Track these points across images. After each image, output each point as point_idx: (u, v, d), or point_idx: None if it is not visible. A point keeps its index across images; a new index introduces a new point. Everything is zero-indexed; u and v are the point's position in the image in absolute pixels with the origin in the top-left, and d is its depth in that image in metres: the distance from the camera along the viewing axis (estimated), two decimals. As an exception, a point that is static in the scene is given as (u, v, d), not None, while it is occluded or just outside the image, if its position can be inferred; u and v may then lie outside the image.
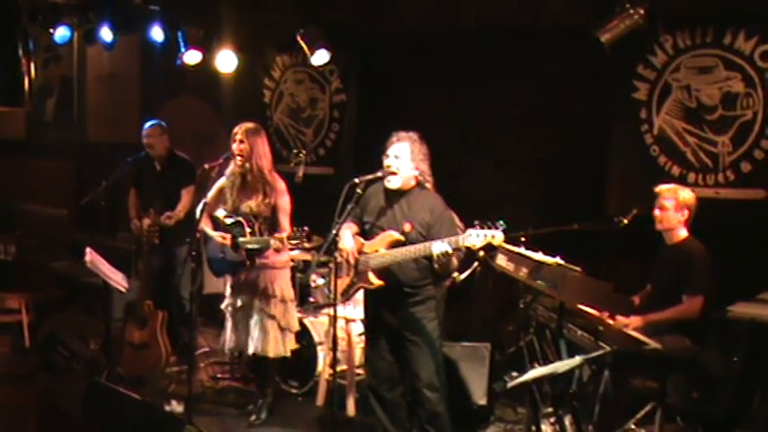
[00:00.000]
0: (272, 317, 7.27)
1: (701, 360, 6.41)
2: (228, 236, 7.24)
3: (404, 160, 6.31)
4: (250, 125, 7.34)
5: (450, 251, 5.88)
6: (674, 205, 6.59)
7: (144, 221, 8.55)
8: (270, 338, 7.27)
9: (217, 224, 7.42)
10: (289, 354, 7.43)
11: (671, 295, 6.55)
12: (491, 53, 8.81)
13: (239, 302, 7.39)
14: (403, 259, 6.18)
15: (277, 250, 7.09)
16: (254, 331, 7.29)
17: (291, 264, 7.88)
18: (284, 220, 7.19)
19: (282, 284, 7.39)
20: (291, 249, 7.33)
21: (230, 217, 7.28)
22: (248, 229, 7.13)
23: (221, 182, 7.44)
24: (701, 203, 6.70)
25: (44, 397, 7.90)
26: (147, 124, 9.16)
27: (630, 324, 6.43)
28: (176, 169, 9.08)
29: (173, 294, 8.85)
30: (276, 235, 6.93)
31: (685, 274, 6.48)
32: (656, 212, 6.69)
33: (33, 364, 8.59)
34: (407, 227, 6.26)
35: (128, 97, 12.41)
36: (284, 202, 7.25)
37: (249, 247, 7.13)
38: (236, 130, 7.29)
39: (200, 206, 7.37)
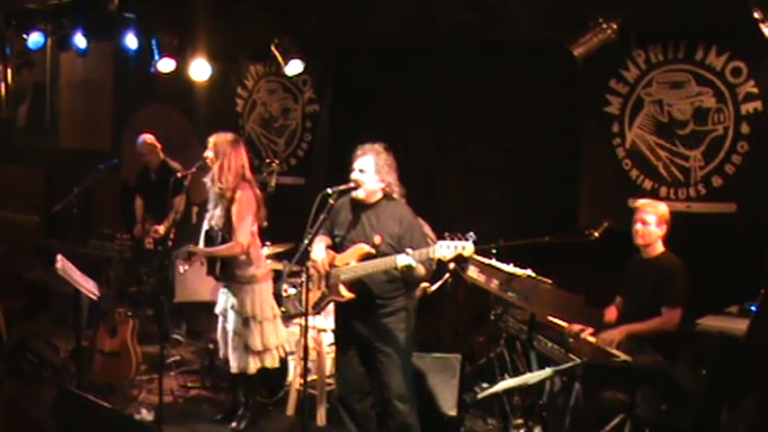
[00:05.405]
0: (236, 333, 7.23)
1: (670, 372, 6.43)
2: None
3: (368, 173, 6.30)
4: (223, 135, 7.23)
5: (413, 264, 5.89)
6: (656, 220, 6.57)
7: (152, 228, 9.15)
8: (232, 352, 7.26)
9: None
10: (253, 372, 7.29)
11: (649, 309, 6.54)
12: (464, 66, 8.86)
13: (218, 310, 7.43)
14: (374, 271, 6.18)
15: (184, 259, 7.19)
16: (229, 340, 7.30)
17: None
18: (238, 229, 7.03)
19: (249, 301, 7.20)
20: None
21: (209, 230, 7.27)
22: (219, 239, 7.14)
23: None
24: (672, 217, 6.72)
25: (13, 405, 7.83)
26: (139, 140, 9.69)
27: (615, 340, 6.42)
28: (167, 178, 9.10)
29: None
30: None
31: (665, 288, 6.48)
32: (638, 227, 6.64)
33: (2, 371, 8.52)
34: (377, 239, 6.25)
35: (100, 104, 12.39)
36: (240, 210, 7.04)
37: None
38: (209, 138, 7.25)
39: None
